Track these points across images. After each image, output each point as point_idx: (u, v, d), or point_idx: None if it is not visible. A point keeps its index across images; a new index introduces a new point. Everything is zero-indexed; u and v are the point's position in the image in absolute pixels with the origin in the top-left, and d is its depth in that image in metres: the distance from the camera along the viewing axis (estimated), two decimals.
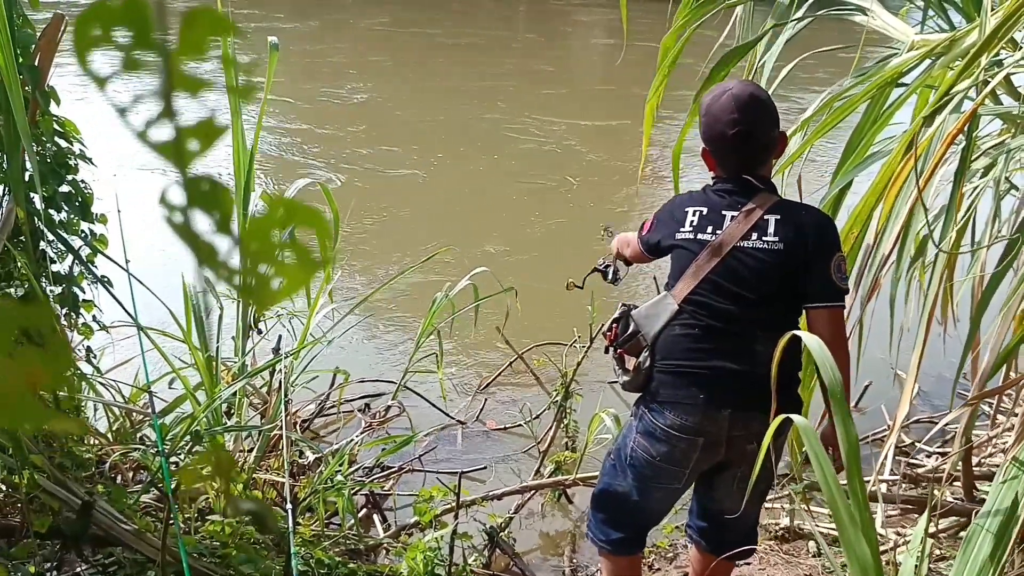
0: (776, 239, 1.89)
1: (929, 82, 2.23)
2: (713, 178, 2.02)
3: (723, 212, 1.95)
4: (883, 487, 2.82)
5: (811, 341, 1.30)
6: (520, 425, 3.50)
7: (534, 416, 3.48)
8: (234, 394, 2.73)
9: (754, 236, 1.90)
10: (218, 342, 2.77)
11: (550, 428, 3.26)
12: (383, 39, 12.06)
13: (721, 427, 1.88)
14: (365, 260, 4.93)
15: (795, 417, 1.13)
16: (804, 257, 1.87)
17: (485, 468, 3.24)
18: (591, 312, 3.31)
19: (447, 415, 3.54)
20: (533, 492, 3.02)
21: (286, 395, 2.71)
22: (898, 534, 2.60)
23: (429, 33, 12.54)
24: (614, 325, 2.07)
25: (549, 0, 16.23)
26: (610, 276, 2.48)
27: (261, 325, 3.02)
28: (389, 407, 3.57)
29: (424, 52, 11.26)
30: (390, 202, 5.95)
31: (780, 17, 2.60)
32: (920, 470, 2.94)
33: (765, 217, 1.90)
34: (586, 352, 3.25)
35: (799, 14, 2.56)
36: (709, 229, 1.94)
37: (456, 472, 2.61)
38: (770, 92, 2.78)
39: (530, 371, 3.74)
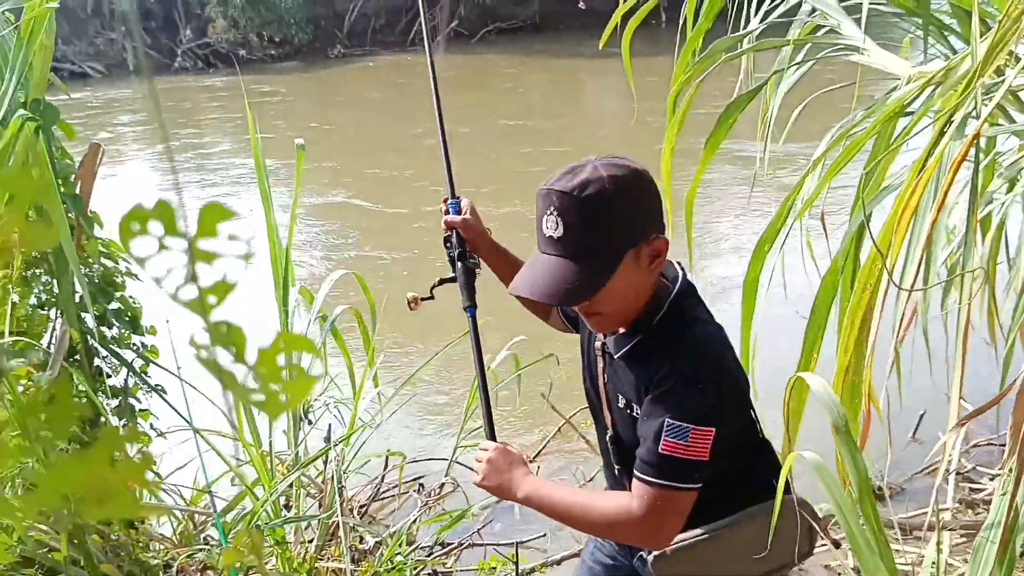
0: None
1: (936, 107, 2.27)
2: (679, 283, 1.51)
3: None
4: (947, 515, 2.77)
5: (812, 381, 1.34)
6: None
7: (587, 479, 3.48)
8: (290, 486, 2.79)
9: None
10: (270, 436, 2.85)
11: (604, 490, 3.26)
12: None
13: None
14: (406, 340, 5.01)
15: (807, 454, 1.16)
16: None
17: (544, 535, 3.24)
18: None
19: None
20: None
21: (340, 482, 2.76)
22: (966, 561, 2.55)
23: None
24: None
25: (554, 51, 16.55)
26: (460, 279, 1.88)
27: (311, 416, 3.09)
28: (443, 484, 3.60)
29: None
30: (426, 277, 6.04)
31: (781, 63, 2.67)
32: (980, 495, 2.89)
33: None
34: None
35: (799, 58, 2.64)
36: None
37: (514, 543, 2.62)
38: (783, 135, 2.86)
39: (579, 435, 3.75)
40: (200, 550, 2.58)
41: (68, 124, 2.02)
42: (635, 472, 1.41)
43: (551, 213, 1.40)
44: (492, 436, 1.68)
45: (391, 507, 3.49)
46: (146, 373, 2.44)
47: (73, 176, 2.05)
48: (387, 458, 3.56)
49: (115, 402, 2.29)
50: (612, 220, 1.39)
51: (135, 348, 2.36)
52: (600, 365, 1.62)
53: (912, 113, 2.34)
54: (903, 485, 3.42)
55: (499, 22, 21.21)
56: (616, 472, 1.67)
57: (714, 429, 1.35)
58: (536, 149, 9.86)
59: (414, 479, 3.65)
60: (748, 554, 1.51)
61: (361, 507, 3.41)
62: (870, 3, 2.45)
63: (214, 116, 12.73)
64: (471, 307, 1.83)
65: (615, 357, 1.52)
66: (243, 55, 19.14)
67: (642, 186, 1.43)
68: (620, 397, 1.54)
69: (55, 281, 2.12)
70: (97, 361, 2.21)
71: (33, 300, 2.17)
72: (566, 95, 14.22)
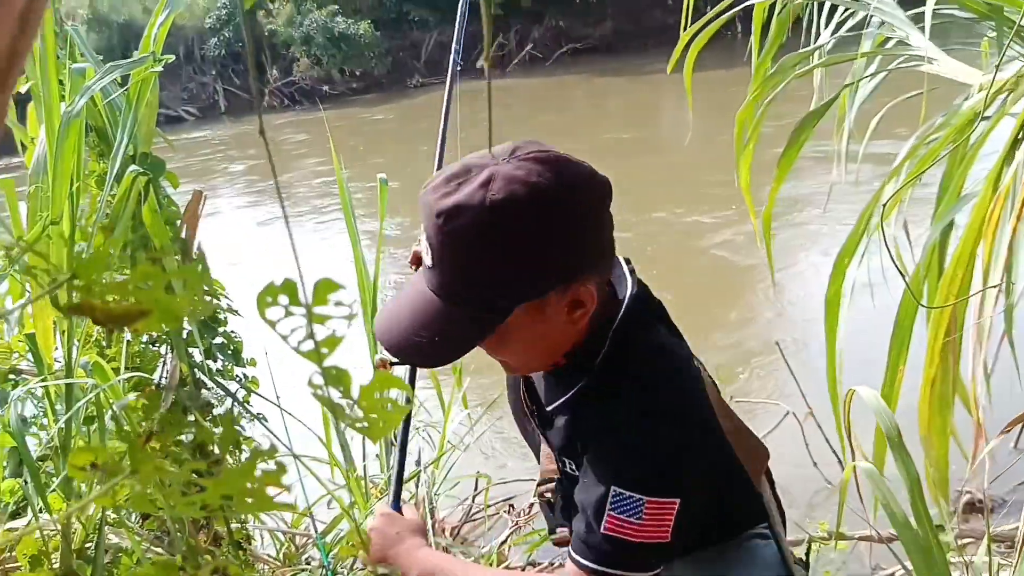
0: None
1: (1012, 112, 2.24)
2: (626, 304, 1.11)
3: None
4: None
5: (864, 392, 1.34)
6: None
7: None
8: None
9: None
10: (364, 461, 2.96)
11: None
12: None
13: None
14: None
15: (862, 464, 1.19)
16: None
17: None
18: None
19: None
20: None
21: (432, 503, 2.85)
22: None
23: None
24: None
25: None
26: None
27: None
28: (532, 504, 3.66)
29: None
30: None
31: (852, 76, 2.67)
32: None
33: None
34: None
35: (871, 70, 2.63)
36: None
37: None
38: (862, 147, 2.84)
39: None
40: (303, 570, 2.71)
41: (173, 174, 2.19)
42: (570, 551, 1.06)
43: (423, 231, 1.02)
44: (396, 501, 1.33)
45: (482, 528, 3.56)
46: (248, 403, 2.59)
47: (179, 222, 2.21)
48: (477, 480, 3.64)
49: (220, 430, 2.44)
50: (487, 268, 0.98)
51: (238, 379, 2.51)
52: (527, 404, 1.27)
53: (989, 118, 2.32)
54: (1004, 497, 3.34)
55: (573, 43, 21.39)
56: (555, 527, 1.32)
57: (679, 500, 1.00)
58: (648, 161, 9.99)
59: (504, 500, 3.72)
60: None
61: (453, 528, 3.50)
62: (944, 10, 2.45)
63: (328, 147, 13.21)
64: None
65: (547, 409, 1.17)
66: (326, 91, 19.80)
67: (555, 213, 0.97)
68: (550, 447, 1.21)
69: None
70: (204, 392, 2.37)
71: (145, 337, 2.34)
72: (650, 110, 14.26)
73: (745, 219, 7.05)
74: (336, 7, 20.15)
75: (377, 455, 3.16)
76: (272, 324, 0.32)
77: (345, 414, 0.32)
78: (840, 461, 3.32)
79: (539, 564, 3.19)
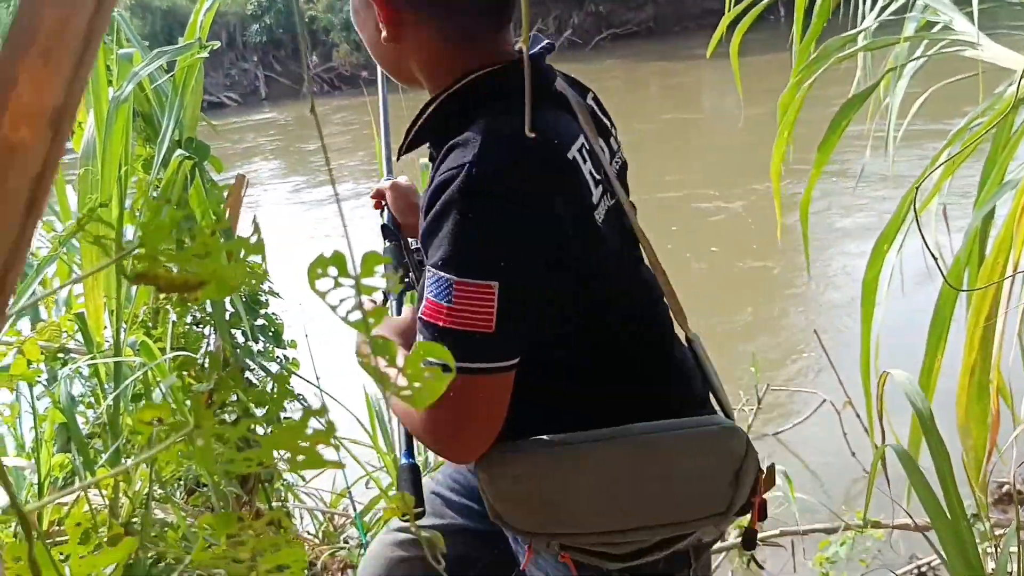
0: (616, 136, 1.17)
1: None
2: (497, 74, 1.01)
3: (579, 125, 1.04)
4: None
5: (898, 376, 1.33)
6: None
7: None
8: None
9: (609, 148, 1.12)
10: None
11: None
12: None
13: None
14: None
15: (894, 447, 1.18)
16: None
17: None
18: (755, 374, 3.34)
19: None
20: (724, 554, 3.04)
21: None
22: None
23: None
24: None
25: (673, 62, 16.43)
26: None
27: None
28: None
29: None
30: None
31: (897, 60, 2.64)
32: None
33: (590, 102, 1.14)
34: (755, 412, 3.28)
35: (916, 53, 2.60)
36: (601, 172, 1.03)
37: None
38: (901, 131, 2.81)
39: None
40: (341, 548, 2.76)
41: (217, 158, 2.23)
42: None
43: None
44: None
45: None
46: (288, 383, 2.64)
47: (222, 206, 2.25)
48: None
49: (262, 411, 2.49)
50: None
51: (278, 361, 2.56)
52: None
53: None
54: None
55: (613, 28, 21.24)
56: None
57: (496, 283, 0.86)
58: (706, 142, 9.96)
59: None
60: (629, 496, 0.99)
61: None
62: None
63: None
64: (404, 290, 1.38)
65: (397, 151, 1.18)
66: (366, 76, 19.90)
67: None
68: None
69: (208, 301, 2.34)
70: (246, 373, 2.42)
71: (189, 319, 2.40)
72: (696, 94, 14.17)
73: (833, 192, 6.95)
74: None
75: None
76: (322, 295, 0.34)
77: (390, 383, 0.34)
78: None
79: None
